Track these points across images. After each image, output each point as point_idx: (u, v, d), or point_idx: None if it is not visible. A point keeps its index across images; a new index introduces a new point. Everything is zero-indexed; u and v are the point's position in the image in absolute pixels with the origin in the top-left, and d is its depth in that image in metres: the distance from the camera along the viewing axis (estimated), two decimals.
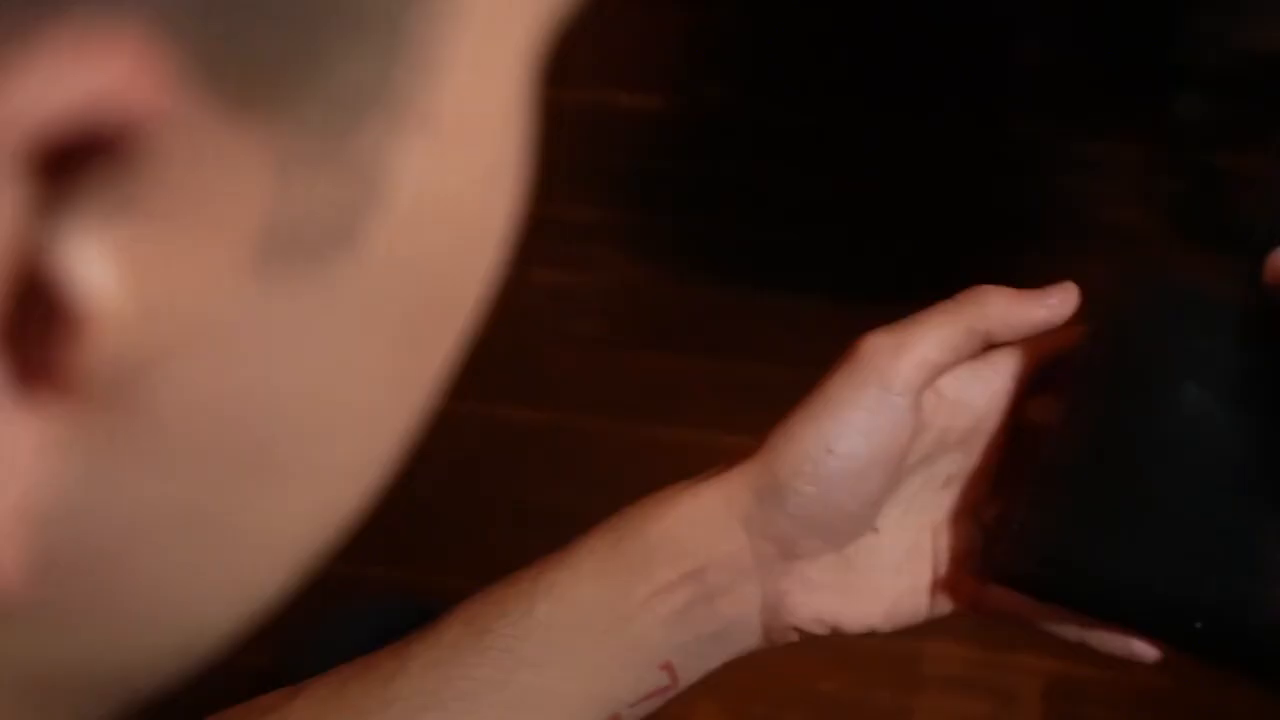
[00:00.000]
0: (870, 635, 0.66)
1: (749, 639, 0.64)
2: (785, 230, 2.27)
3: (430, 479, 1.95)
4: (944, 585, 0.66)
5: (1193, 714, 1.66)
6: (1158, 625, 0.62)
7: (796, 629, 0.64)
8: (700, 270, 2.20)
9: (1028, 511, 0.63)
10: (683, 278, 2.19)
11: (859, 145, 2.36)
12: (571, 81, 2.49)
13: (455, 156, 0.25)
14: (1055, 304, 0.64)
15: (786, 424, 0.62)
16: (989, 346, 0.65)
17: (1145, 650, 0.63)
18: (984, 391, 0.65)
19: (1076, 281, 0.65)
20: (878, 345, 0.62)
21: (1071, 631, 0.65)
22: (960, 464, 0.67)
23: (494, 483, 1.94)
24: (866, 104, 2.44)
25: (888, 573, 0.65)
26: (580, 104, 2.46)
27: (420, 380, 0.29)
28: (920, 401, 0.63)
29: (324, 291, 0.24)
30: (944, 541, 0.67)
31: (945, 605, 0.67)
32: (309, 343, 0.25)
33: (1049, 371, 0.66)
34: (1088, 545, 0.62)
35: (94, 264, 0.21)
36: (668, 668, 0.62)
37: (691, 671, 0.63)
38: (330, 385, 0.26)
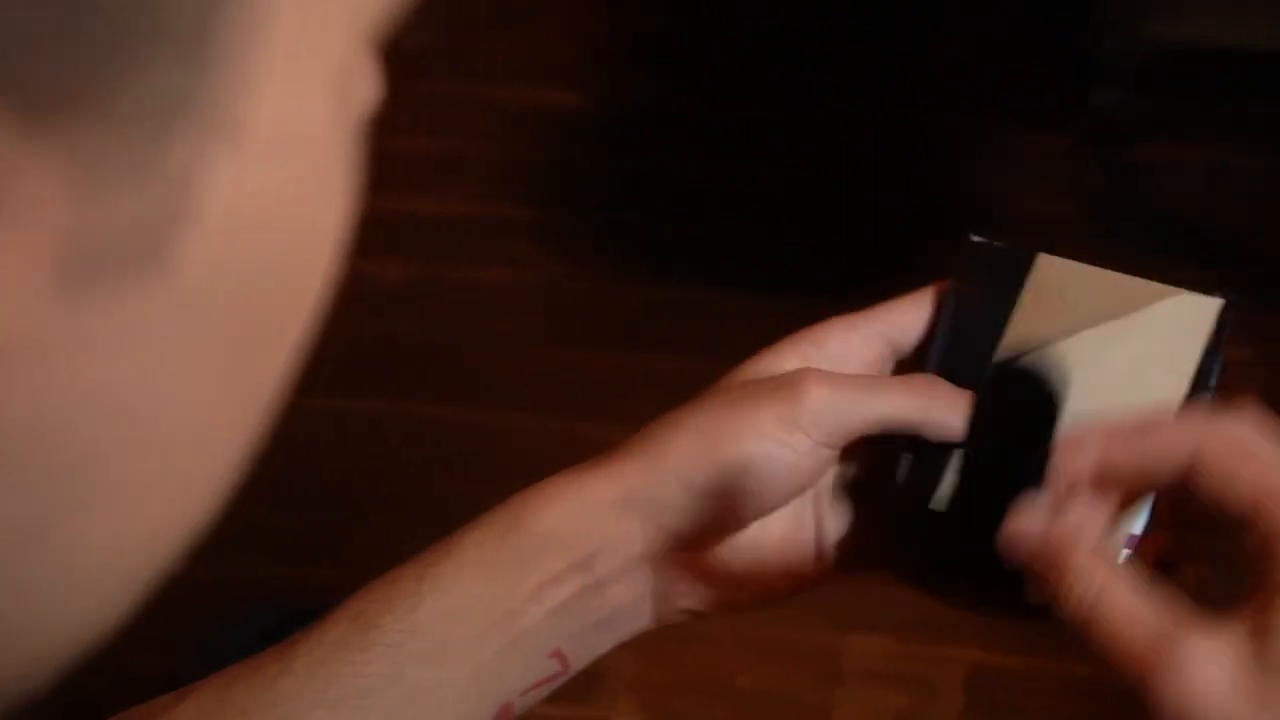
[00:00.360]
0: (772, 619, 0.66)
1: (639, 622, 0.64)
2: (713, 225, 2.27)
3: (358, 478, 1.95)
4: (826, 556, 0.67)
5: (1111, 700, 1.67)
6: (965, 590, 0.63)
7: (686, 611, 0.65)
8: (628, 266, 2.20)
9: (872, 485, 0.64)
10: (611, 274, 2.19)
11: (784, 140, 2.37)
12: (499, 80, 2.48)
13: (272, 166, 0.25)
14: None
15: (703, 434, 0.61)
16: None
17: None
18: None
19: None
20: (824, 399, 0.61)
21: None
22: None
23: (421, 482, 1.93)
24: (791, 99, 2.44)
25: (772, 550, 0.65)
26: (508, 102, 2.46)
27: (253, 390, 0.28)
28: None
29: (140, 306, 0.24)
30: (824, 513, 0.66)
31: (829, 574, 0.67)
32: (129, 358, 0.24)
33: None
34: (917, 521, 0.64)
35: None
36: (558, 655, 0.62)
37: (582, 657, 0.63)
38: (155, 399, 0.25)
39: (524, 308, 2.15)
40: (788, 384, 0.62)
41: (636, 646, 0.65)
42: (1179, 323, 0.64)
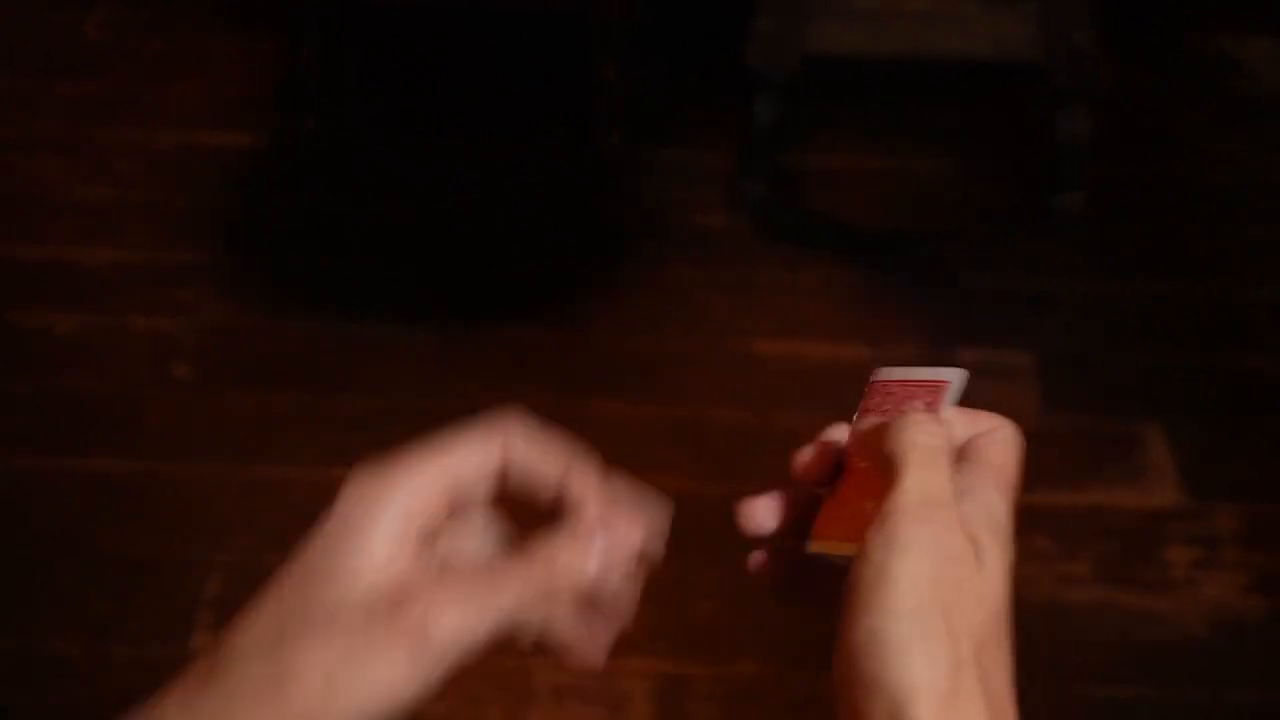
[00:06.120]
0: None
1: None
2: (378, 261, 2.28)
3: (32, 539, 1.91)
4: None
5: (789, 702, 1.74)
6: None
7: None
8: (293, 305, 2.20)
9: None
10: (275, 314, 2.19)
11: (452, 172, 2.39)
12: (159, 123, 2.46)
13: None
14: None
15: (331, 685, 0.57)
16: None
17: None
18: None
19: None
20: (454, 634, 0.58)
21: None
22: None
23: (98, 539, 1.90)
24: (455, 131, 2.46)
25: None
26: (169, 146, 2.44)
27: None
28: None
29: None
30: None
31: None
32: None
33: None
34: None
35: None
36: None
37: None
38: None
39: (189, 354, 2.13)
40: (410, 624, 0.57)
41: None
42: None
